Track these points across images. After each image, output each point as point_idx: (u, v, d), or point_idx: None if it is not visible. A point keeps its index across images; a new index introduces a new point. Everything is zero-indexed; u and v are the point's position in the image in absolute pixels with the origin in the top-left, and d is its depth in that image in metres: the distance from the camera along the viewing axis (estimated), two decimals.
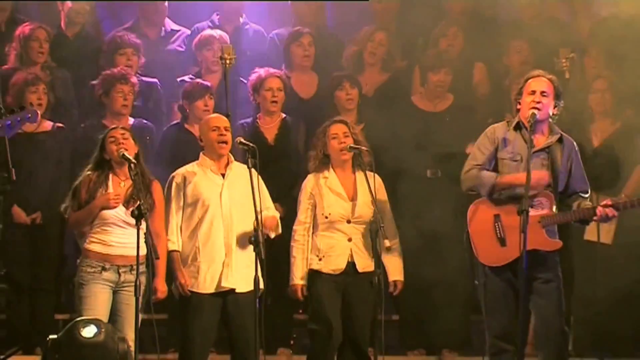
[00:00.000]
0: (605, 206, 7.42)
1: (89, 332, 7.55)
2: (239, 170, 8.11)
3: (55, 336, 7.69)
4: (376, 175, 8.09)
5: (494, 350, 7.54)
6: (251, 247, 7.67)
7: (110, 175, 8.06)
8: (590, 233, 8.70)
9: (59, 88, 9.39)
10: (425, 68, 9.32)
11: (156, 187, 8.16)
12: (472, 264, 7.66)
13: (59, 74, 9.46)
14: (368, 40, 9.56)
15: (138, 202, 7.66)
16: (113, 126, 8.32)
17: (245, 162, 7.93)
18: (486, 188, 7.57)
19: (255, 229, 7.71)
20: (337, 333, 7.99)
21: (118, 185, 8.07)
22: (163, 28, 10.06)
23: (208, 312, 7.88)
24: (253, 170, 7.76)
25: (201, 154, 8.19)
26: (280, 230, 8.05)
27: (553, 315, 7.45)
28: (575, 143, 7.68)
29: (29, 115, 7.34)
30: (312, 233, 8.14)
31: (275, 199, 8.29)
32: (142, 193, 7.77)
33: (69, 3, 9.76)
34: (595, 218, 7.46)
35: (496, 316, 7.50)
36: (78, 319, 7.74)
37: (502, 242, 7.48)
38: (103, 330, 7.57)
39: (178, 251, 7.98)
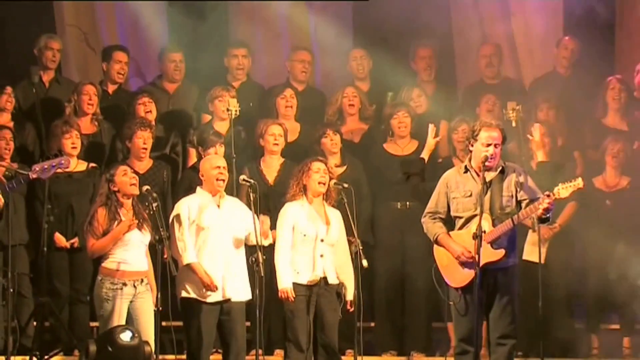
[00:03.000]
0: (545, 197, 7.97)
1: (126, 336, 8.38)
2: (231, 202, 8.80)
3: (94, 340, 8.57)
4: (337, 210, 8.89)
5: (459, 351, 8.27)
6: (244, 263, 8.60)
7: (119, 208, 8.71)
8: (527, 254, 9.39)
9: (104, 136, 10.10)
10: (388, 117, 9.97)
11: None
12: (443, 289, 8.39)
13: (105, 125, 10.15)
14: (342, 97, 10.23)
15: (160, 230, 8.45)
16: (122, 167, 8.86)
17: (247, 196, 8.67)
18: (430, 237, 8.40)
19: (255, 258, 8.51)
20: (307, 343, 8.72)
21: (125, 215, 8.70)
22: (180, 84, 10.69)
23: (210, 317, 8.64)
24: (252, 202, 8.54)
25: (198, 187, 8.80)
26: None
27: (505, 323, 8.18)
28: (519, 168, 8.33)
29: (62, 162, 8.29)
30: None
31: (272, 228, 8.87)
32: (159, 222, 8.49)
33: (115, 65, 10.48)
34: (542, 212, 7.98)
35: (463, 323, 8.21)
36: (115, 325, 8.49)
37: (462, 265, 8.20)
38: (136, 335, 8.43)
39: (197, 262, 8.62)
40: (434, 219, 8.41)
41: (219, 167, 8.83)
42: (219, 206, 8.81)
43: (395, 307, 9.84)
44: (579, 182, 8.06)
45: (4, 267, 9.13)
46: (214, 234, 8.75)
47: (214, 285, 8.59)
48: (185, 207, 8.79)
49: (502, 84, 10.70)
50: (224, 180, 8.81)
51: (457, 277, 8.29)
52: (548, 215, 8.08)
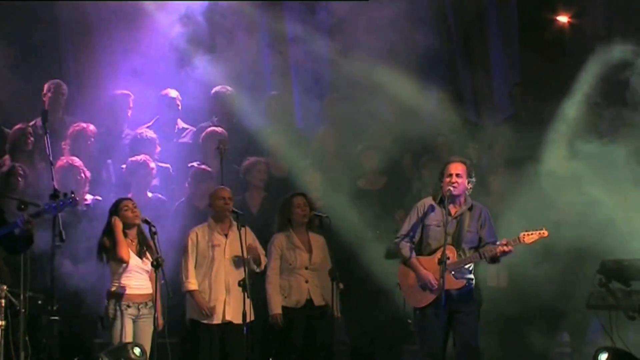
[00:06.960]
0: (504, 244, 8.68)
1: (137, 352, 9.03)
2: (236, 231, 9.39)
3: (108, 353, 9.02)
4: (321, 236, 9.55)
5: None
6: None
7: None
8: (490, 279, 10.00)
9: (100, 171, 10.61)
10: (359, 155, 10.67)
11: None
12: (404, 307, 9.05)
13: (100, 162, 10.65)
14: (325, 137, 10.96)
15: (157, 256, 8.99)
16: (125, 197, 9.39)
17: (236, 224, 9.32)
18: (402, 259, 8.97)
19: (243, 279, 9.18)
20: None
21: (130, 243, 9.24)
22: (176, 126, 11.29)
23: (213, 336, 9.44)
24: (242, 228, 9.25)
25: (210, 217, 9.47)
26: (262, 266, 9.40)
27: (471, 337, 8.87)
28: (485, 208, 8.95)
29: (70, 200, 8.40)
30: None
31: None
32: (158, 248, 8.98)
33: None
34: (498, 254, 8.68)
35: (427, 341, 8.85)
36: (126, 342, 9.06)
37: (424, 288, 8.86)
38: (144, 351, 9.09)
39: (197, 290, 9.35)
40: (407, 242, 8.98)
41: (224, 197, 9.53)
42: (226, 235, 9.51)
43: (370, 330, 10.44)
44: (544, 232, 8.68)
45: (16, 289, 9.10)
46: (219, 262, 9.45)
47: (208, 310, 9.29)
48: (194, 235, 9.46)
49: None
50: (229, 209, 9.47)
51: (418, 297, 8.91)
52: (503, 256, 8.80)
